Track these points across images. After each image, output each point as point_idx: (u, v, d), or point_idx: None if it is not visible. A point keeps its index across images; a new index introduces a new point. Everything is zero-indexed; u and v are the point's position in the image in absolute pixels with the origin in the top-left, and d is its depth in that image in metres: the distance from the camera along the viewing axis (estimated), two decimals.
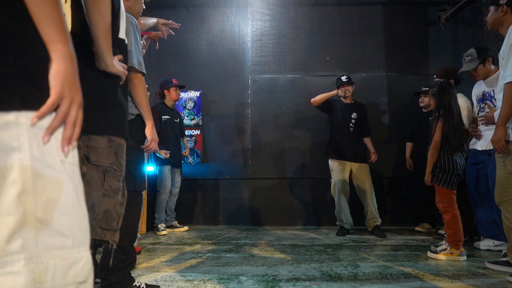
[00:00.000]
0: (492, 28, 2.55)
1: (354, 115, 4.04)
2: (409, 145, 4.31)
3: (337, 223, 4.03)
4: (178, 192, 4.38)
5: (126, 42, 1.48)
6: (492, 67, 3.01)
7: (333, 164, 4.03)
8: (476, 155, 3.11)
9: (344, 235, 3.88)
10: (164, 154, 4.04)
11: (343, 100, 4.08)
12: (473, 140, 3.16)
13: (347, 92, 4.03)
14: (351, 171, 4.00)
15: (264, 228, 4.57)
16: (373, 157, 4.05)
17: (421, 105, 4.16)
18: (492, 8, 2.49)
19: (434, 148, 2.77)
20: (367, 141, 4.11)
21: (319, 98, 4.06)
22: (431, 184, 2.84)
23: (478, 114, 3.11)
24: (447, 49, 4.85)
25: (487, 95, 2.99)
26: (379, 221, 3.93)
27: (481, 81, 3.08)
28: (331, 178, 4.07)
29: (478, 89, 3.11)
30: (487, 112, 2.96)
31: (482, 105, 3.04)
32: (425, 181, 2.87)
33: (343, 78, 4.06)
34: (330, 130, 4.12)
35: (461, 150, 2.79)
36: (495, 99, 2.90)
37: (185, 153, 4.48)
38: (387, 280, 2.20)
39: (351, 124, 4.03)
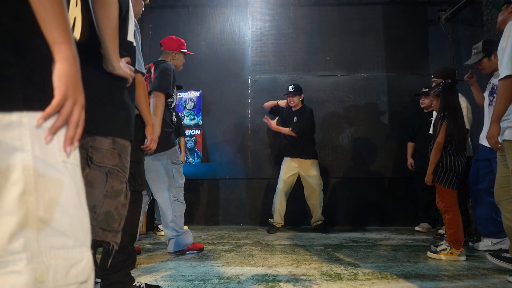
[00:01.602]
0: (500, 28, 2.55)
1: (295, 119, 4.23)
2: (410, 145, 4.31)
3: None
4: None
5: (134, 44, 1.48)
6: None
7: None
8: (485, 151, 3.04)
9: None
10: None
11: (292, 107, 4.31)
12: (482, 134, 3.12)
13: (291, 102, 4.25)
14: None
15: (264, 228, 4.57)
16: None
17: (422, 106, 4.16)
18: (504, 7, 2.49)
19: (437, 149, 2.78)
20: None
21: (266, 104, 4.43)
22: (432, 184, 2.84)
23: (489, 107, 3.03)
24: (447, 49, 4.85)
25: (495, 88, 2.97)
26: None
27: (494, 75, 3.04)
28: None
29: (489, 82, 3.07)
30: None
31: (491, 98, 2.99)
32: (426, 181, 2.87)
33: (290, 88, 4.24)
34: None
35: (463, 150, 2.80)
36: None
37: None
38: (387, 280, 2.20)
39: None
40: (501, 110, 2.19)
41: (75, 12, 1.22)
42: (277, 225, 4.23)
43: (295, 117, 4.21)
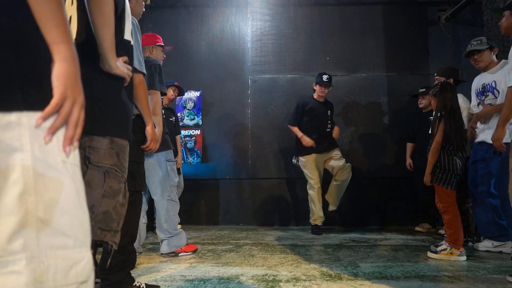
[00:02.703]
0: (506, 33, 2.57)
1: (329, 112, 4.17)
2: (409, 145, 4.31)
3: None
4: (181, 192, 4.32)
5: (131, 43, 1.48)
6: (495, 59, 3.01)
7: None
8: (476, 152, 3.10)
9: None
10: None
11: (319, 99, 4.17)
12: (479, 133, 3.11)
13: (323, 92, 4.11)
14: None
15: (264, 228, 4.57)
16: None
17: (420, 106, 4.16)
18: (507, 12, 2.50)
19: (434, 149, 2.77)
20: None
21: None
22: (431, 184, 2.84)
23: (478, 107, 3.09)
24: (447, 49, 4.85)
25: (488, 86, 2.97)
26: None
27: (481, 74, 3.08)
28: (329, 178, 4.14)
29: (478, 82, 3.10)
30: (483, 109, 2.97)
31: (482, 98, 3.02)
32: (425, 182, 2.87)
33: (324, 78, 4.09)
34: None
35: (461, 150, 2.79)
36: (497, 90, 2.89)
37: (177, 163, 4.20)
38: (387, 280, 2.20)
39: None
40: (508, 115, 2.29)
41: (70, 11, 1.22)
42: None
43: (328, 111, 4.15)
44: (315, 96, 4.16)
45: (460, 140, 2.77)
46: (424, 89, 4.11)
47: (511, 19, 2.47)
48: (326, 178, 4.18)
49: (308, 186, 4.10)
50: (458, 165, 2.76)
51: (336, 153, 4.15)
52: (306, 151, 4.05)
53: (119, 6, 1.32)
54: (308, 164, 4.06)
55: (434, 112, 2.91)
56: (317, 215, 4.05)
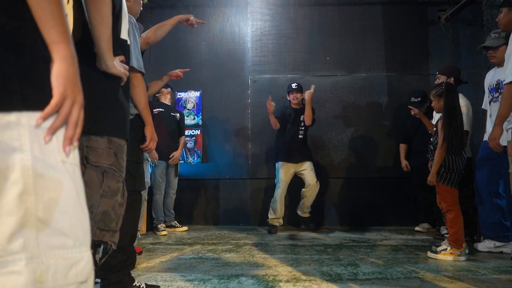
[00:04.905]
0: (505, 29, 2.54)
1: (302, 117, 4.23)
2: (402, 146, 4.30)
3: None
4: (174, 193, 4.31)
5: (128, 42, 1.48)
6: None
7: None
8: (484, 150, 3.00)
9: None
10: (153, 160, 3.97)
11: (293, 106, 4.29)
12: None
13: (295, 99, 4.25)
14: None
15: (264, 228, 4.57)
16: None
17: (413, 113, 3.73)
18: (505, 9, 2.48)
19: (442, 148, 2.79)
20: None
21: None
22: (434, 184, 2.86)
23: (490, 104, 2.98)
24: (447, 49, 4.85)
25: (502, 84, 2.94)
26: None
27: (495, 69, 2.99)
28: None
29: (492, 78, 2.99)
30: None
31: (496, 95, 2.92)
32: (429, 181, 2.88)
33: (293, 85, 4.27)
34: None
35: (462, 149, 2.83)
36: None
37: (174, 158, 4.20)
38: (387, 280, 2.20)
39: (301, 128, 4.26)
40: (505, 114, 2.21)
41: (66, 9, 1.22)
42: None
43: (301, 116, 4.22)
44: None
45: (461, 139, 2.81)
46: (419, 98, 3.99)
47: (510, 14, 2.46)
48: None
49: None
50: (461, 164, 2.82)
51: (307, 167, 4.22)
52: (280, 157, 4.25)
53: (117, 5, 1.32)
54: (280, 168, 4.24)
55: (434, 112, 2.93)
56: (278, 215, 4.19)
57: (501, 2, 2.58)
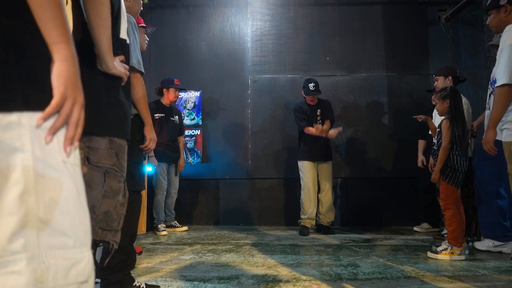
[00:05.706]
0: (498, 30, 2.53)
1: (318, 111, 4.12)
2: (421, 142, 4.13)
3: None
4: (176, 193, 4.33)
5: (127, 42, 1.48)
6: None
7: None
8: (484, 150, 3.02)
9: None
10: (153, 161, 3.97)
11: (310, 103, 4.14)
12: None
13: (313, 101, 4.10)
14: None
15: (264, 228, 4.57)
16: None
17: (434, 103, 3.94)
18: (493, 11, 2.49)
19: (446, 148, 2.84)
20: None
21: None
22: (437, 182, 2.90)
23: (489, 96, 2.91)
24: (447, 49, 4.85)
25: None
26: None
27: None
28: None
29: (494, 72, 2.99)
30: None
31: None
32: (432, 179, 2.92)
33: (311, 86, 4.05)
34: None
35: (466, 150, 2.89)
36: None
37: (180, 166, 4.33)
38: (387, 280, 2.20)
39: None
40: (498, 117, 2.23)
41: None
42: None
43: (318, 110, 4.10)
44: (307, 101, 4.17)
45: (466, 139, 2.89)
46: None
47: (498, 16, 2.46)
48: None
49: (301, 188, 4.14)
50: (464, 164, 2.87)
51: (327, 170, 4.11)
52: (302, 156, 4.12)
53: (115, 5, 1.32)
54: (303, 168, 4.12)
55: (439, 113, 2.99)
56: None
57: (487, 5, 2.58)
